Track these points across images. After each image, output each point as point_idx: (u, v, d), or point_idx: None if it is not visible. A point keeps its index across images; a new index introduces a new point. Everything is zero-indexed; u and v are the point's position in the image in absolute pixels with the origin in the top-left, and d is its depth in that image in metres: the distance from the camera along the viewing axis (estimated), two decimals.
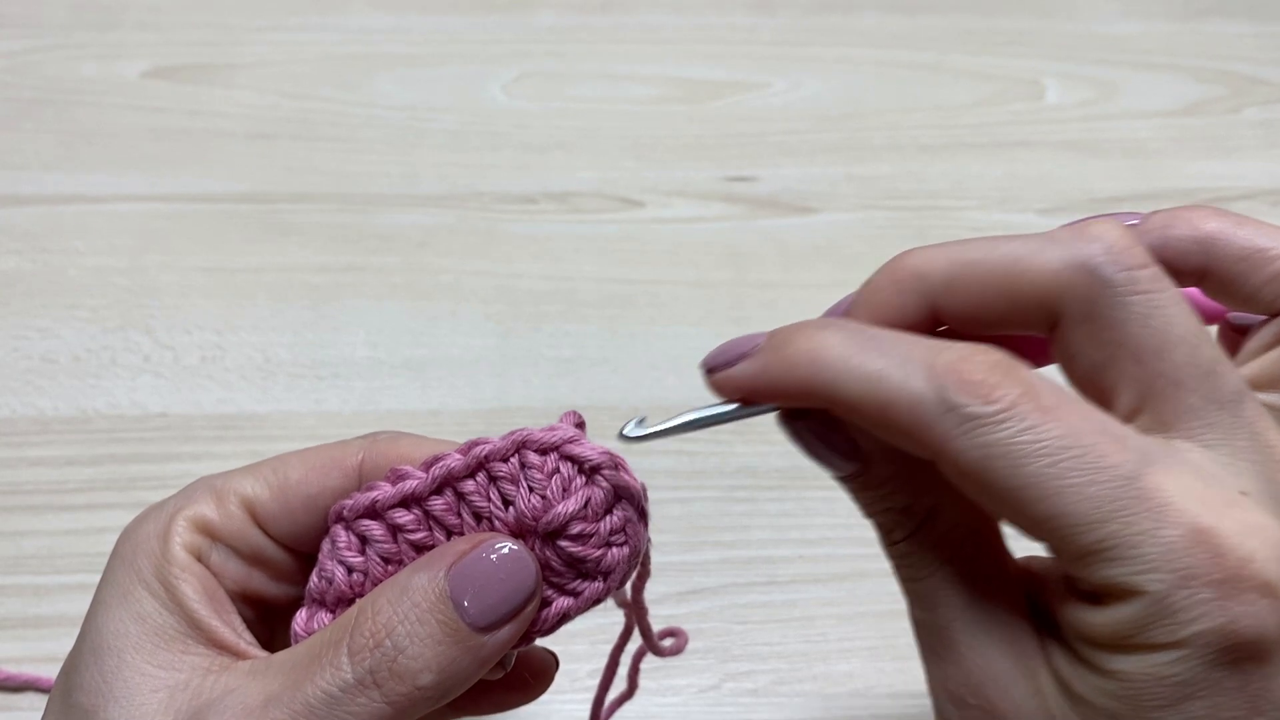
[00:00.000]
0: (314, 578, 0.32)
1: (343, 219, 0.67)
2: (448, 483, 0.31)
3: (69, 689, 0.30)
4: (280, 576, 0.33)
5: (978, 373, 0.26)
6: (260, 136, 0.71)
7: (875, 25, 0.81)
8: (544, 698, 0.47)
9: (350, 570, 0.31)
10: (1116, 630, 0.26)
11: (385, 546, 0.31)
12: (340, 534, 0.31)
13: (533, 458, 0.31)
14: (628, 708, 0.47)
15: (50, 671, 0.47)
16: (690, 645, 0.50)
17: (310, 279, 0.63)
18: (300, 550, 0.33)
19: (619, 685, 0.44)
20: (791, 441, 0.31)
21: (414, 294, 0.63)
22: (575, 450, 0.31)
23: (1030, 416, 0.26)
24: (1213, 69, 0.79)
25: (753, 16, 0.81)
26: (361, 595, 0.31)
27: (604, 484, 0.31)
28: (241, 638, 0.31)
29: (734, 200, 0.69)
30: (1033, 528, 0.27)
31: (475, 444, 0.31)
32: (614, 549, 0.32)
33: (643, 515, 0.32)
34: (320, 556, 0.32)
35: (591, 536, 0.31)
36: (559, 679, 0.47)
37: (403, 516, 0.31)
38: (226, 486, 0.32)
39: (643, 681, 0.48)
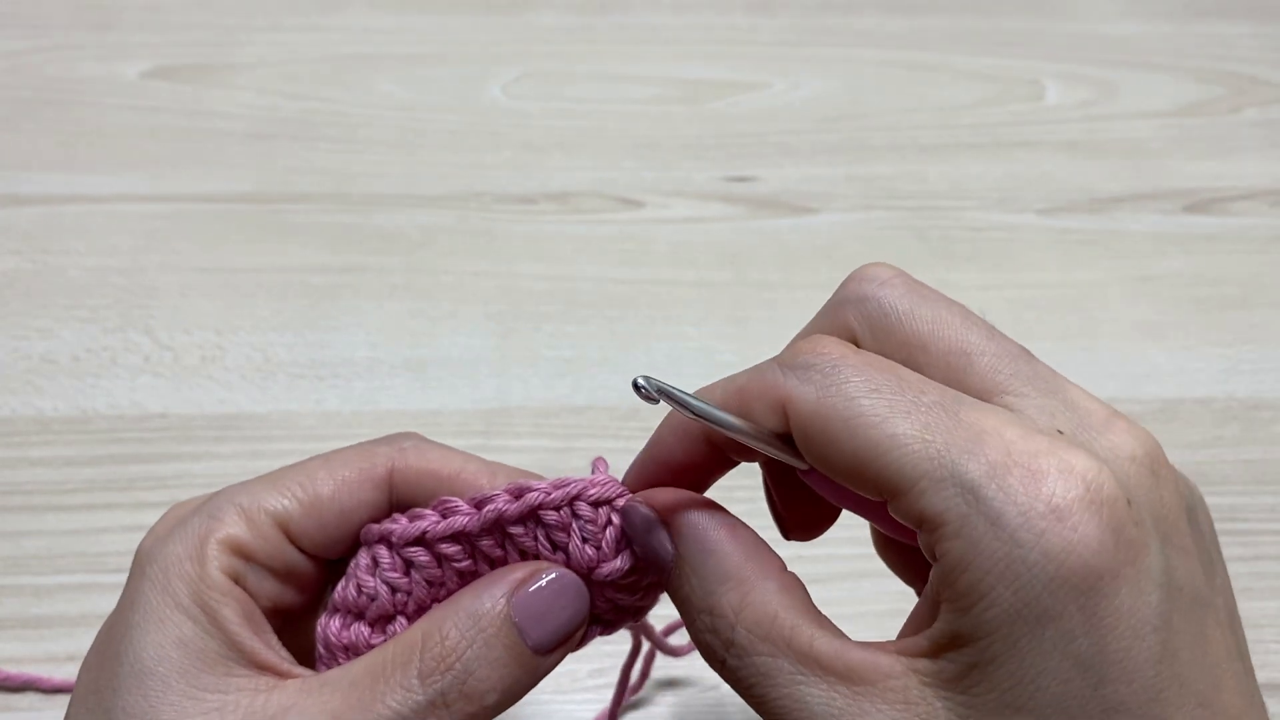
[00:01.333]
0: (349, 589, 0.32)
1: (343, 219, 0.67)
2: (497, 525, 0.32)
3: (109, 711, 0.30)
4: (306, 586, 0.33)
5: (808, 344, 0.30)
6: (260, 136, 0.71)
7: (875, 25, 0.81)
8: (545, 697, 0.48)
9: (394, 590, 0.32)
10: (964, 567, 0.26)
11: (432, 572, 0.32)
12: (384, 555, 0.32)
13: (585, 510, 0.32)
14: (627, 708, 0.47)
15: (50, 671, 0.47)
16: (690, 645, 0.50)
17: (310, 279, 0.63)
18: (325, 557, 0.33)
19: (609, 676, 0.44)
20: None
21: (414, 294, 0.63)
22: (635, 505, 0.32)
23: (856, 365, 0.29)
24: (1213, 69, 0.79)
25: (753, 16, 0.81)
26: (403, 613, 0.32)
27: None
28: (282, 657, 0.31)
29: (734, 200, 0.69)
30: (866, 461, 0.28)
31: (524, 489, 0.32)
32: (653, 592, 0.33)
33: None
34: (358, 571, 0.32)
35: (635, 582, 0.32)
36: (560, 679, 0.48)
37: (450, 548, 0.32)
38: (255, 505, 0.32)
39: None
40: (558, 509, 0.32)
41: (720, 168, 0.71)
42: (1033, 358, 0.31)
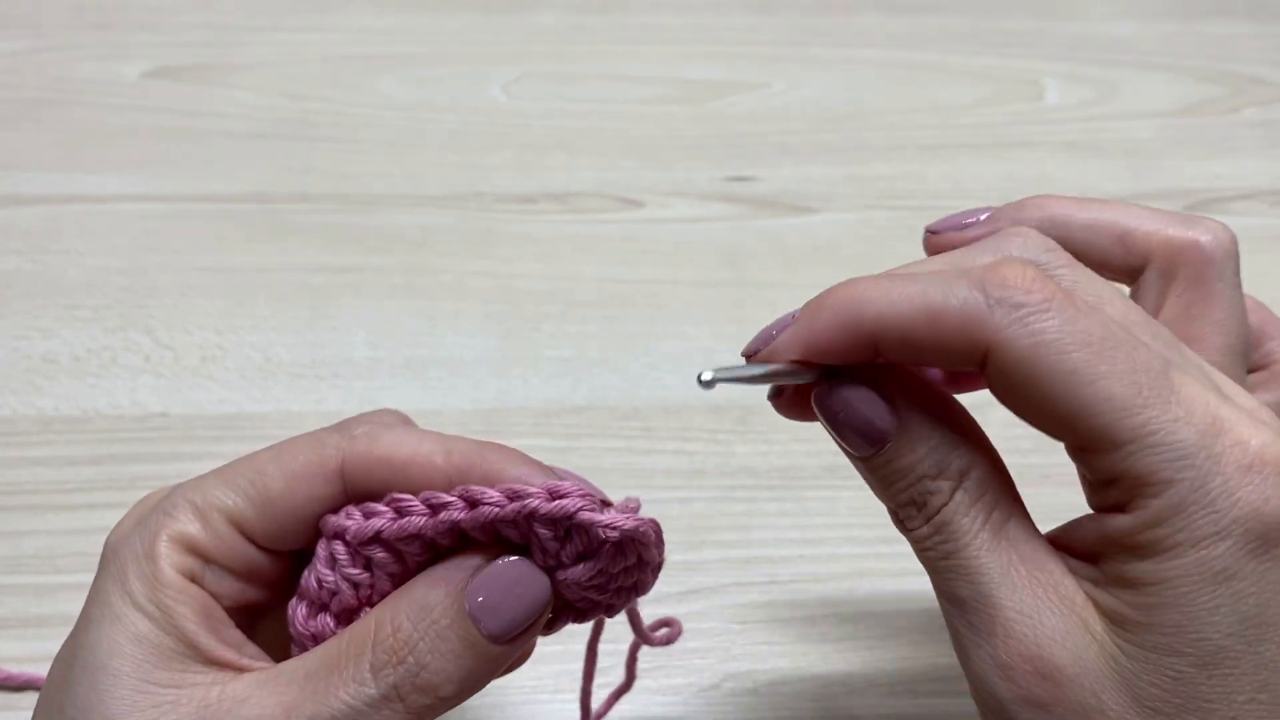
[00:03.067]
0: (312, 581, 0.32)
1: (343, 219, 0.67)
2: (453, 530, 0.31)
3: (62, 706, 0.30)
4: (270, 581, 0.33)
5: (1015, 273, 0.29)
6: (260, 136, 0.71)
7: (875, 25, 0.81)
8: (544, 696, 0.48)
9: (357, 586, 0.31)
10: (1157, 524, 0.28)
11: (392, 568, 0.31)
12: (342, 552, 0.31)
13: (542, 531, 0.30)
14: (626, 708, 0.47)
15: None
16: (690, 645, 0.50)
17: (310, 279, 0.63)
18: (284, 550, 0.33)
19: (608, 676, 0.44)
20: (828, 417, 0.31)
21: (414, 294, 0.63)
22: (593, 525, 0.30)
23: (1069, 310, 0.28)
24: (1212, 69, 0.79)
25: (753, 16, 0.81)
26: (368, 603, 0.31)
27: (629, 558, 0.31)
28: (242, 653, 0.31)
29: (734, 200, 0.69)
30: (1074, 418, 0.28)
31: (478, 499, 0.30)
32: (624, 592, 0.33)
33: (656, 571, 0.33)
34: (318, 565, 0.32)
35: (602, 584, 0.32)
36: (559, 678, 0.48)
37: (408, 545, 0.31)
38: (207, 502, 0.31)
39: (643, 680, 0.48)
40: (514, 523, 0.30)
41: (720, 168, 0.71)
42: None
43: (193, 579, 0.31)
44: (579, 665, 0.48)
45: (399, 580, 0.31)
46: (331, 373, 0.59)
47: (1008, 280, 0.29)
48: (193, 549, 0.31)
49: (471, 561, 0.30)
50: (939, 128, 0.74)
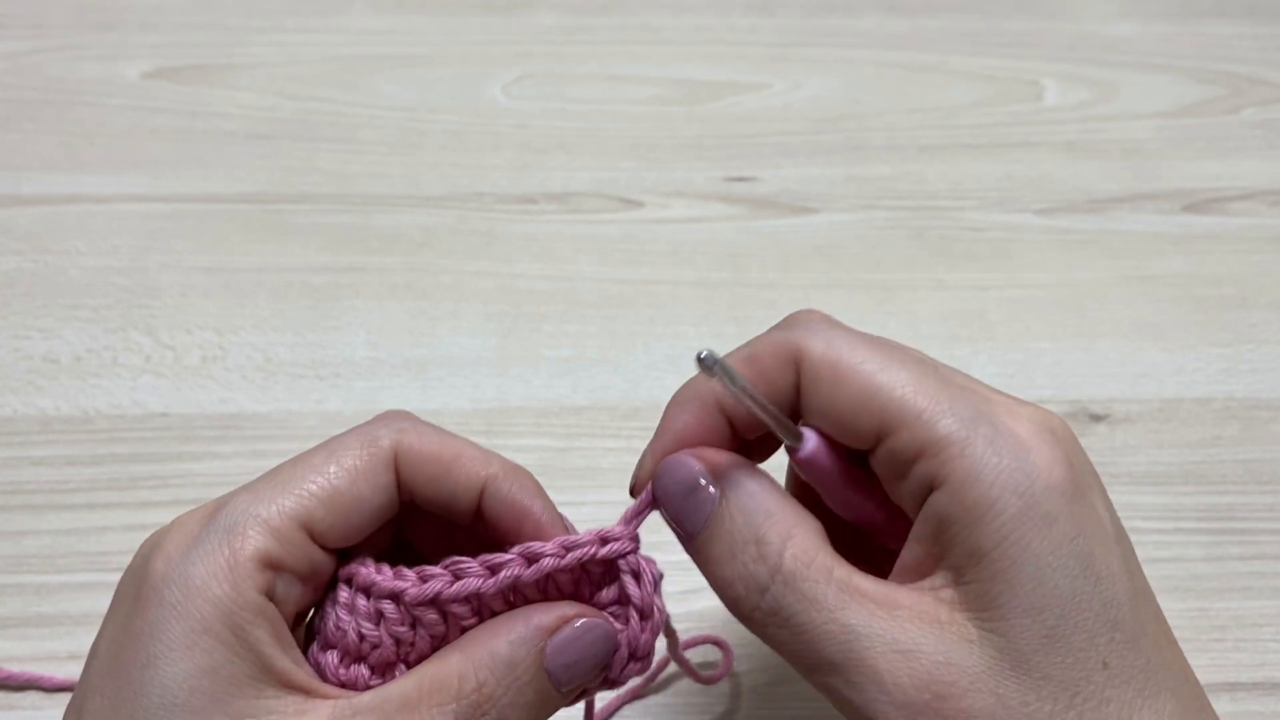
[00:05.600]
0: (351, 635, 0.32)
1: (343, 219, 0.67)
2: (511, 588, 0.33)
3: None
4: (319, 584, 0.33)
5: (805, 314, 0.37)
6: (261, 137, 0.71)
7: (875, 26, 0.81)
8: None
9: (399, 642, 0.33)
10: (973, 482, 0.30)
11: (439, 629, 0.33)
12: (392, 611, 0.32)
13: (594, 566, 0.34)
14: (626, 708, 0.48)
15: (52, 670, 0.47)
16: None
17: (311, 279, 0.63)
18: (343, 546, 0.33)
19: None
20: (660, 499, 0.35)
21: (414, 294, 0.63)
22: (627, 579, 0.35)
23: (850, 330, 0.35)
24: (1211, 69, 0.79)
25: (752, 17, 0.82)
26: (405, 660, 0.33)
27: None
28: (308, 674, 0.32)
29: (734, 200, 0.69)
30: (872, 399, 0.32)
31: (536, 555, 0.33)
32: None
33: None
34: (360, 620, 0.32)
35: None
36: None
37: (459, 607, 0.33)
38: (276, 513, 0.31)
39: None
40: (570, 571, 0.33)
41: (720, 168, 0.71)
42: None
43: (267, 594, 0.31)
44: None
45: (440, 641, 0.33)
46: (332, 373, 0.59)
47: (800, 317, 0.36)
48: (268, 562, 0.31)
49: (544, 622, 0.32)
50: (939, 128, 0.74)
